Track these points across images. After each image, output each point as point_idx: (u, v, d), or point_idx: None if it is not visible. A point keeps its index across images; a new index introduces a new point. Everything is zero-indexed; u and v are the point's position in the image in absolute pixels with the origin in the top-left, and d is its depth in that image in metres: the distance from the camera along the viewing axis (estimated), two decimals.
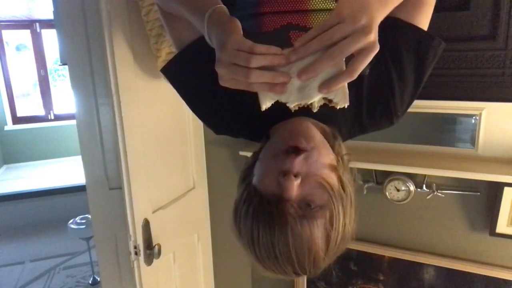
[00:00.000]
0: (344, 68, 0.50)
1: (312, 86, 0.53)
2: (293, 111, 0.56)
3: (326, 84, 0.51)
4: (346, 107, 0.55)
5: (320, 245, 0.57)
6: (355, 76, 0.49)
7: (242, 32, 0.53)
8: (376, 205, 1.52)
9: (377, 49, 0.48)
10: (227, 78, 0.52)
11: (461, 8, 1.24)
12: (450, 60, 1.29)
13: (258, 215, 0.57)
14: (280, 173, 0.57)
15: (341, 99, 0.55)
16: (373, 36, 0.48)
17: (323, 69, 0.49)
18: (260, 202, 0.58)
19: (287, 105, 0.55)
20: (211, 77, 0.64)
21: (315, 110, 0.56)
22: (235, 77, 0.50)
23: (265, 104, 0.55)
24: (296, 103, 0.55)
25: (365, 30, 0.47)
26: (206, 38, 0.57)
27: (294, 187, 0.56)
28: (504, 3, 1.18)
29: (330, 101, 0.56)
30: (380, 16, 0.51)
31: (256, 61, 0.49)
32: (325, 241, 0.57)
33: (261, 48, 0.50)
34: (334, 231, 0.57)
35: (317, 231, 0.56)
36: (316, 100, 0.55)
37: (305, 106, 0.56)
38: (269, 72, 0.50)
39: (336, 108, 0.56)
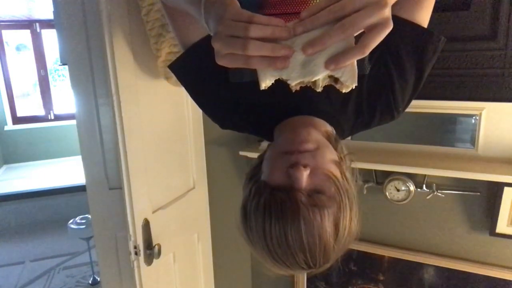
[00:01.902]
0: (354, 44, 0.46)
1: (317, 62, 0.48)
2: (293, 90, 0.53)
3: (334, 60, 0.47)
4: (354, 87, 0.51)
5: (330, 233, 0.58)
6: (366, 52, 0.45)
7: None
8: (376, 205, 1.52)
9: (391, 26, 0.45)
10: (223, 54, 0.48)
11: (461, 8, 1.24)
12: (450, 60, 1.29)
13: (270, 205, 0.58)
14: (289, 165, 0.59)
15: (349, 78, 0.49)
16: (388, 11, 0.45)
17: (332, 42, 0.45)
18: (272, 193, 0.59)
19: (288, 82, 0.51)
20: (217, 75, 0.64)
21: (318, 90, 0.53)
22: (232, 51, 0.47)
23: (265, 82, 0.50)
24: (299, 81, 0.50)
25: (381, 3, 0.44)
26: (203, 24, 0.55)
27: (304, 177, 0.57)
28: (504, 3, 1.18)
29: (336, 80, 0.51)
30: None
31: (255, 31, 0.45)
32: (335, 230, 0.59)
33: (261, 18, 0.46)
34: (342, 221, 0.59)
35: (327, 219, 0.57)
36: (320, 78, 0.50)
37: (308, 85, 0.52)
38: (268, 44, 0.46)
39: (336, 105, 0.55)
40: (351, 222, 0.60)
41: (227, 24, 0.47)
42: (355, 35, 0.46)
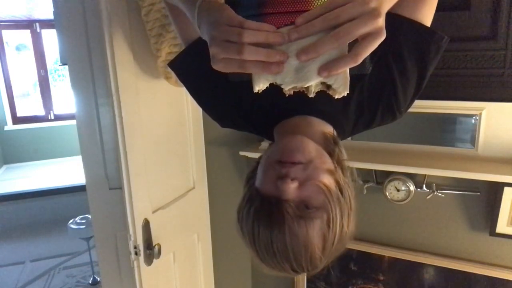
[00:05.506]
0: (347, 52, 0.47)
1: (311, 68, 0.49)
2: (287, 95, 0.54)
3: (326, 67, 0.48)
4: (346, 94, 0.52)
5: (317, 244, 0.58)
6: (359, 61, 0.46)
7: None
8: (376, 205, 1.52)
9: (383, 36, 0.46)
10: (219, 58, 0.48)
11: (461, 8, 1.24)
12: (450, 60, 1.29)
13: (259, 215, 0.59)
14: (278, 177, 0.59)
15: (341, 86, 0.51)
16: (381, 21, 0.46)
17: (325, 50, 0.46)
18: (261, 203, 0.60)
19: (282, 87, 0.52)
20: (216, 73, 0.65)
21: (311, 95, 0.54)
22: (228, 55, 0.48)
23: (259, 86, 0.51)
24: (292, 86, 0.51)
25: (374, 13, 0.45)
26: (196, 27, 0.56)
27: (291, 189, 0.58)
28: (504, 3, 1.18)
29: (329, 87, 0.52)
30: (388, 3, 0.49)
31: (249, 36, 0.46)
32: (322, 240, 0.59)
33: (251, 24, 0.47)
34: (331, 231, 0.59)
35: (313, 231, 0.58)
36: (313, 84, 0.51)
37: (301, 90, 0.53)
38: (264, 49, 0.47)
39: (337, 105, 0.55)
40: (341, 230, 0.60)
41: (222, 29, 0.48)
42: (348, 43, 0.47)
